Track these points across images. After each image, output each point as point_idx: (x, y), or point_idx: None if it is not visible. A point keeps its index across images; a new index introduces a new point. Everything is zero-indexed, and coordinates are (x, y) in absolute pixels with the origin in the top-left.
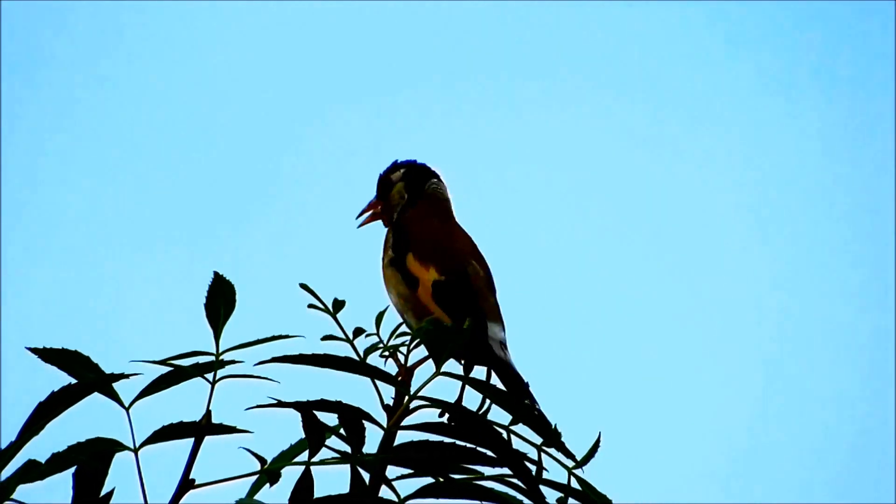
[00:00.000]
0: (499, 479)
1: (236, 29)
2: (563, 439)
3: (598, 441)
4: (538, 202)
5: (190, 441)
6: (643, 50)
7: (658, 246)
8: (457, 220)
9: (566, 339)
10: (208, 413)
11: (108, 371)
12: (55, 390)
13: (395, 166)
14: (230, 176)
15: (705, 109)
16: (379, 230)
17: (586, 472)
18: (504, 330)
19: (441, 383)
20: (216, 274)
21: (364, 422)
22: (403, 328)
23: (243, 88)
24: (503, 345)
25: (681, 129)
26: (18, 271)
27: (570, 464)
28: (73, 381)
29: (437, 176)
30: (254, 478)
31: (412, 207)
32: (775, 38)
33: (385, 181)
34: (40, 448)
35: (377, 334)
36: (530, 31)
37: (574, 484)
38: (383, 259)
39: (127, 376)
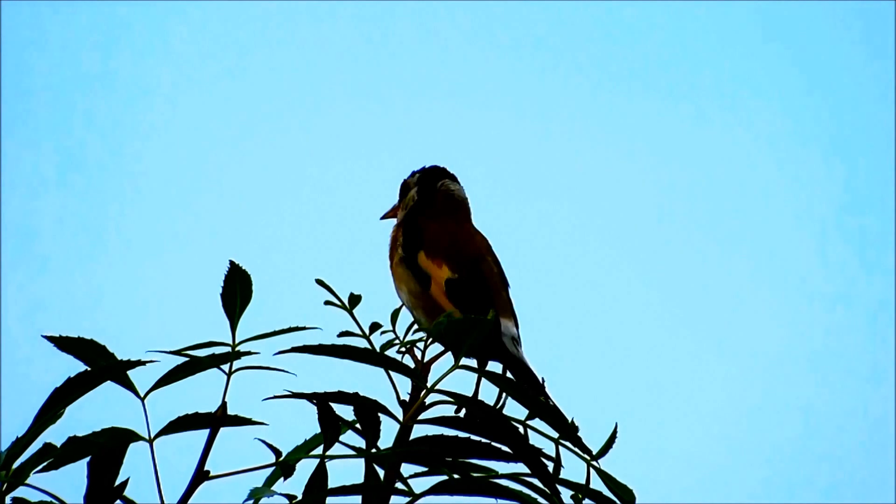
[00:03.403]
0: (514, 476)
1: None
2: (579, 433)
3: (615, 432)
4: (551, 199)
5: (205, 432)
6: (654, 50)
7: (665, 242)
8: (472, 220)
9: (576, 334)
10: (224, 404)
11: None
12: (71, 376)
13: (414, 172)
14: (247, 169)
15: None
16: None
17: (603, 466)
18: (517, 326)
19: (457, 381)
20: (232, 263)
21: (380, 416)
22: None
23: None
24: (515, 341)
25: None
26: (38, 267)
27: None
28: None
29: (450, 177)
30: (269, 470)
31: (429, 208)
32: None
33: (404, 186)
34: (56, 440)
35: (393, 330)
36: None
37: (593, 475)
38: (392, 258)
39: (143, 363)
